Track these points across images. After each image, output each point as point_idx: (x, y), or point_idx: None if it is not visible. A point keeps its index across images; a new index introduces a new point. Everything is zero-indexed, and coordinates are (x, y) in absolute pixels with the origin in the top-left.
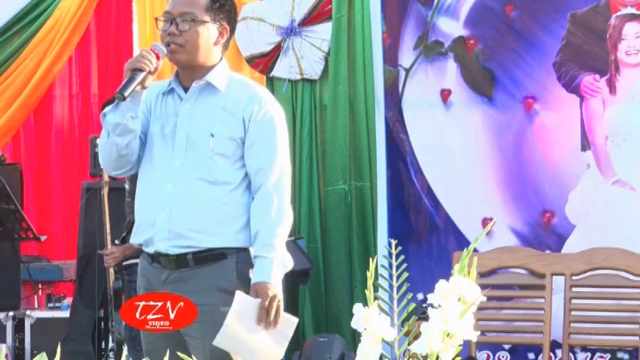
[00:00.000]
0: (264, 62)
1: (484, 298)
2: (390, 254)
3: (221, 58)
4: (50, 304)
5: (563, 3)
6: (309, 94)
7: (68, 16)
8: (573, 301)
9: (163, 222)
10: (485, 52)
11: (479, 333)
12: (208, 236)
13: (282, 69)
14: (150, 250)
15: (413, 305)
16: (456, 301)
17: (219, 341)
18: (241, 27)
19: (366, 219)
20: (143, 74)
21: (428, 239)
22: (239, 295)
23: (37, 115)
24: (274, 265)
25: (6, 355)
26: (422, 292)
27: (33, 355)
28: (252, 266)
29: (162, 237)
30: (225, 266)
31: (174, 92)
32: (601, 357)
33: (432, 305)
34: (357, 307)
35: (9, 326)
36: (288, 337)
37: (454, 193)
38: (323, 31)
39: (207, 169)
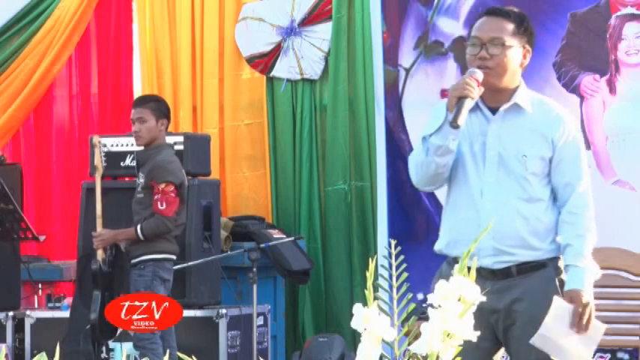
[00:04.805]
0: (264, 62)
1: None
2: (390, 254)
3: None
4: (50, 304)
5: (563, 3)
6: (309, 94)
7: (68, 16)
8: None
9: (487, 240)
10: None
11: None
12: (530, 251)
13: (282, 69)
14: None
15: (413, 305)
16: (456, 301)
17: (536, 340)
18: (241, 27)
19: (366, 219)
20: (469, 101)
21: (428, 239)
22: (557, 300)
23: (37, 115)
24: (586, 273)
25: (6, 355)
26: (422, 292)
27: (33, 355)
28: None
29: (487, 253)
30: (546, 274)
31: (479, 111)
32: (601, 357)
33: (432, 305)
34: (357, 307)
35: (9, 326)
36: (596, 342)
37: None
38: (323, 31)
39: (521, 187)
